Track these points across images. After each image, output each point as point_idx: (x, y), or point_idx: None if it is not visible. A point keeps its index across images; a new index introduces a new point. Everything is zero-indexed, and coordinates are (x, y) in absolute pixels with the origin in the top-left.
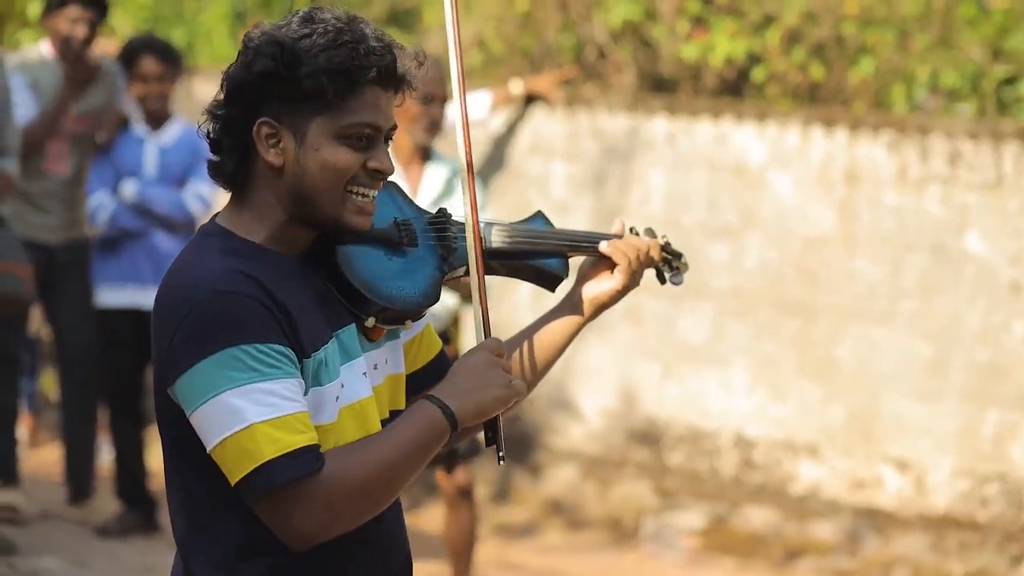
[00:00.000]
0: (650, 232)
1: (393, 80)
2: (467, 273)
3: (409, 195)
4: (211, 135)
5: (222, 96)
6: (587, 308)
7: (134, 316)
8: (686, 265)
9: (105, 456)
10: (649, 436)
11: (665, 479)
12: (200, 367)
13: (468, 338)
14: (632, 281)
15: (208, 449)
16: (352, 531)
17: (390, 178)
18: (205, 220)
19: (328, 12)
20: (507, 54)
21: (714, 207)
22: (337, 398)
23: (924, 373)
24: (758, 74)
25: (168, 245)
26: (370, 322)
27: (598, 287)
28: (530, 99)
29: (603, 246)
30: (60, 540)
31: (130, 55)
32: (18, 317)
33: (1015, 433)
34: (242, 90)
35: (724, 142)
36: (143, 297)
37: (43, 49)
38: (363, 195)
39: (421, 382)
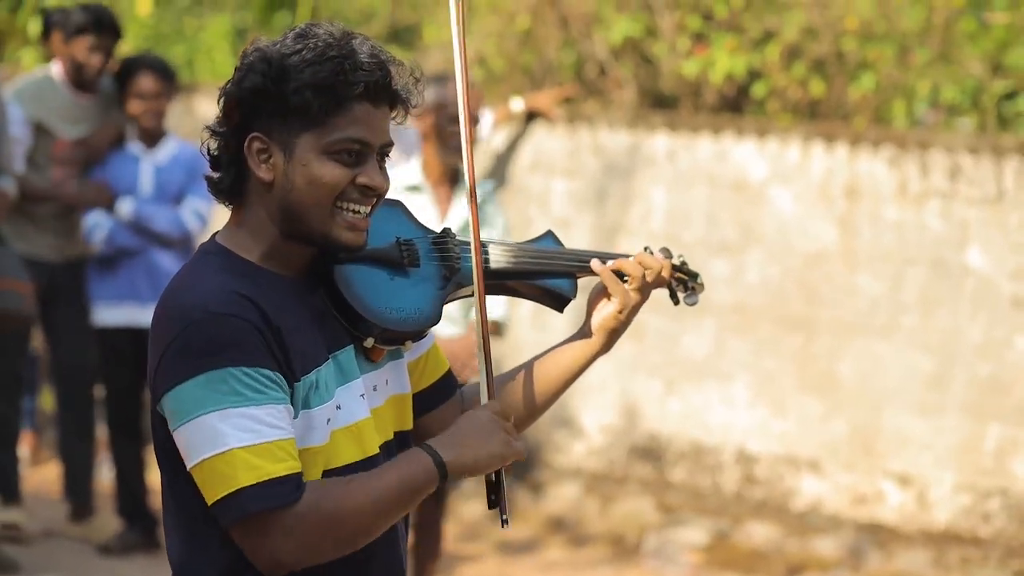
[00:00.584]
0: (665, 252)
1: (385, 96)
2: (472, 294)
3: (437, 216)
4: (211, 152)
5: (219, 113)
6: (597, 335)
7: (132, 334)
8: (702, 286)
9: (105, 473)
10: (651, 452)
11: (667, 495)
12: (186, 386)
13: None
14: (634, 299)
15: (188, 466)
16: (343, 556)
17: (424, 196)
18: (203, 237)
19: (323, 28)
20: (508, 71)
21: (715, 223)
22: (329, 420)
23: (925, 388)
24: (758, 90)
25: (166, 263)
26: (369, 343)
27: (602, 312)
28: (531, 116)
29: (607, 264)
30: (62, 558)
31: (126, 73)
32: (20, 334)
33: (1017, 448)
34: (235, 106)
35: (725, 158)
36: (141, 315)
37: (53, 71)
38: (354, 211)
39: (428, 401)
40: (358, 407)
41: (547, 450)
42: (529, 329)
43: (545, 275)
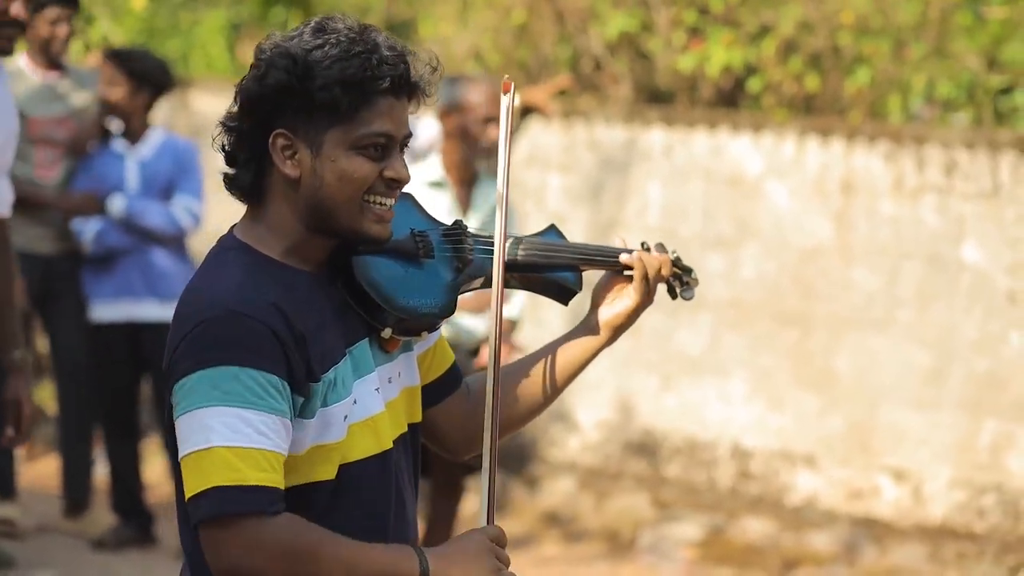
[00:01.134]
0: (660, 247)
1: (407, 88)
2: (483, 285)
3: (459, 214)
4: (225, 148)
5: (236, 109)
6: (604, 331)
7: (128, 331)
8: (696, 280)
9: (101, 469)
10: (646, 447)
11: (662, 490)
12: (192, 378)
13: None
14: (646, 298)
15: (179, 457)
16: None
17: (445, 192)
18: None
19: (340, 22)
20: (503, 66)
21: (711, 218)
22: (346, 416)
23: (921, 383)
24: (754, 84)
25: (160, 259)
26: (386, 333)
27: (613, 308)
28: (526, 111)
29: (623, 258)
30: (56, 553)
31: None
32: None
33: (1012, 443)
34: (257, 103)
35: (720, 153)
36: (137, 311)
37: (20, 63)
38: (380, 204)
39: (435, 394)
40: (373, 401)
41: (542, 445)
42: (527, 324)
43: (552, 268)
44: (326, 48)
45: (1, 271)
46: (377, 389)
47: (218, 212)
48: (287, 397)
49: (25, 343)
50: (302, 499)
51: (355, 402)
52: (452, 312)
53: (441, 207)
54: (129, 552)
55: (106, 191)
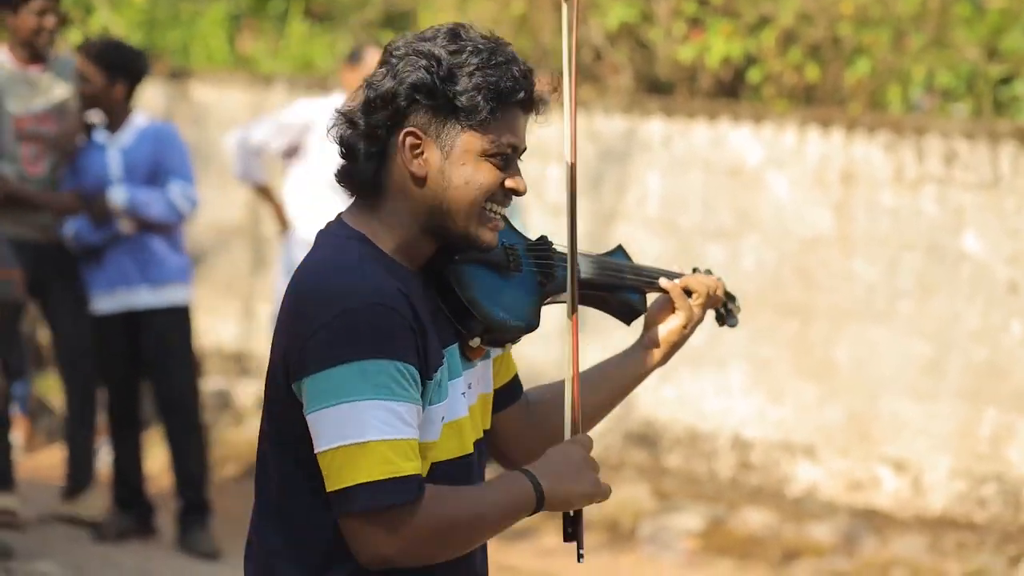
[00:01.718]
0: (709, 273)
1: (532, 103)
2: (562, 302)
3: None
4: (344, 140)
5: (361, 103)
6: (662, 348)
7: (126, 321)
8: (739, 307)
9: (103, 458)
10: (647, 438)
11: (663, 481)
12: (338, 370)
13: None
14: (696, 316)
15: (319, 450)
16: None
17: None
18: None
19: (473, 32)
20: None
21: (711, 208)
22: (443, 417)
23: (921, 373)
24: (754, 75)
25: (154, 245)
26: (475, 342)
27: (668, 326)
28: None
29: (664, 282)
30: (56, 544)
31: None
32: (8, 320)
33: (1012, 433)
34: (390, 99)
35: (720, 143)
36: (133, 299)
37: (3, 57)
38: (496, 213)
39: (499, 402)
40: (459, 404)
41: None
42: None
43: (621, 289)
44: (465, 55)
45: None
46: (463, 393)
47: (219, 202)
48: (420, 386)
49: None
50: None
51: (449, 404)
52: (537, 326)
53: None
54: (129, 543)
55: (92, 187)
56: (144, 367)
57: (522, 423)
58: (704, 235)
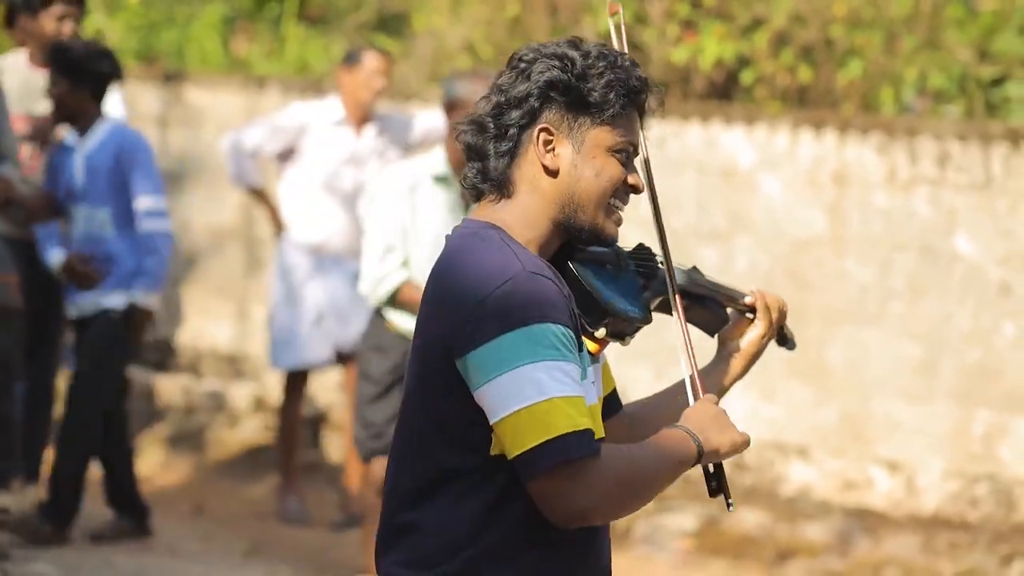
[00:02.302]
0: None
1: (645, 108)
2: (658, 306)
3: (462, 211)
4: (474, 145)
5: (491, 107)
6: (742, 360)
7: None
8: (791, 332)
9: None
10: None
11: None
12: (506, 338)
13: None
14: (771, 330)
15: (497, 418)
16: (581, 537)
17: (452, 189)
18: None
19: (588, 42)
20: (496, 59)
21: (704, 210)
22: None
23: (914, 374)
24: (747, 77)
25: (118, 248)
26: (600, 332)
27: (748, 338)
28: None
29: (747, 300)
30: (52, 545)
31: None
32: (6, 323)
33: (1005, 434)
34: (524, 99)
35: (713, 145)
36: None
37: (21, 60)
38: (618, 208)
39: (602, 412)
40: (591, 393)
41: None
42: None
43: (710, 300)
44: (593, 59)
45: None
46: (593, 383)
47: (213, 204)
48: (579, 351)
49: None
50: None
51: (587, 387)
52: (650, 322)
53: (444, 203)
54: (127, 545)
55: (58, 191)
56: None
57: (622, 436)
58: (697, 236)
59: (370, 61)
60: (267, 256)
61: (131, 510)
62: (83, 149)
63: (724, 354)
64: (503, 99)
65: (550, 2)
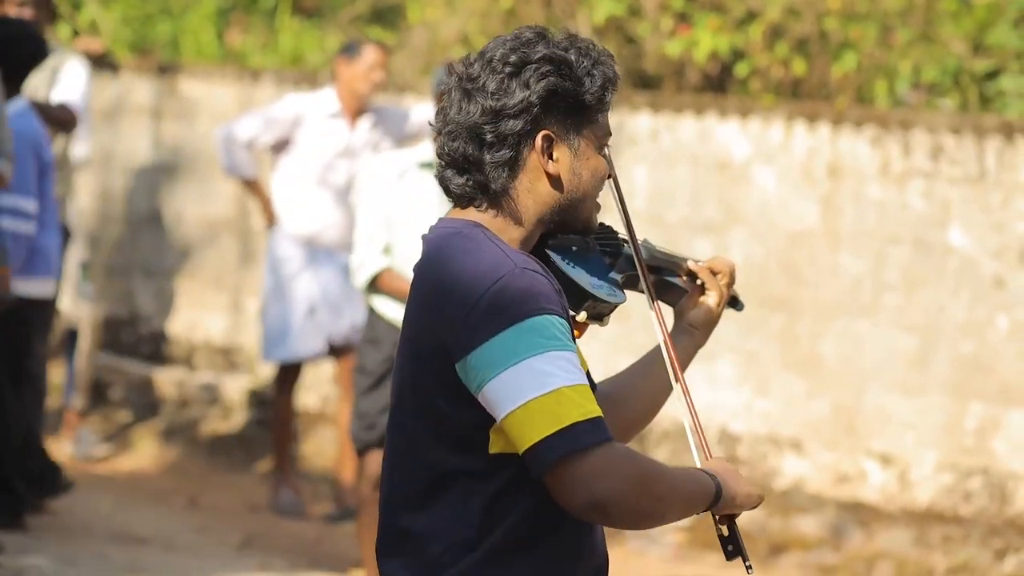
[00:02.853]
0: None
1: None
2: (626, 281)
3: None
4: (466, 154)
5: (481, 114)
6: (703, 329)
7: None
8: (737, 293)
9: None
10: None
11: None
12: (507, 334)
13: None
14: (726, 294)
15: (505, 413)
16: (583, 532)
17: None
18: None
19: (554, 32)
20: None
21: (698, 202)
22: None
23: (908, 367)
24: (741, 69)
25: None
26: (582, 316)
27: (703, 308)
28: None
29: (690, 264)
30: (48, 539)
31: None
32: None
33: (998, 427)
34: (525, 108)
35: (708, 137)
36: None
37: None
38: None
39: None
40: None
41: None
42: None
43: (666, 272)
44: (574, 54)
45: None
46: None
47: (207, 196)
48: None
49: None
50: None
51: None
52: (625, 300)
53: (433, 189)
54: (122, 539)
55: None
56: None
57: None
58: (691, 229)
59: (369, 54)
60: (261, 248)
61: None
62: None
63: (683, 326)
64: (497, 106)
65: None
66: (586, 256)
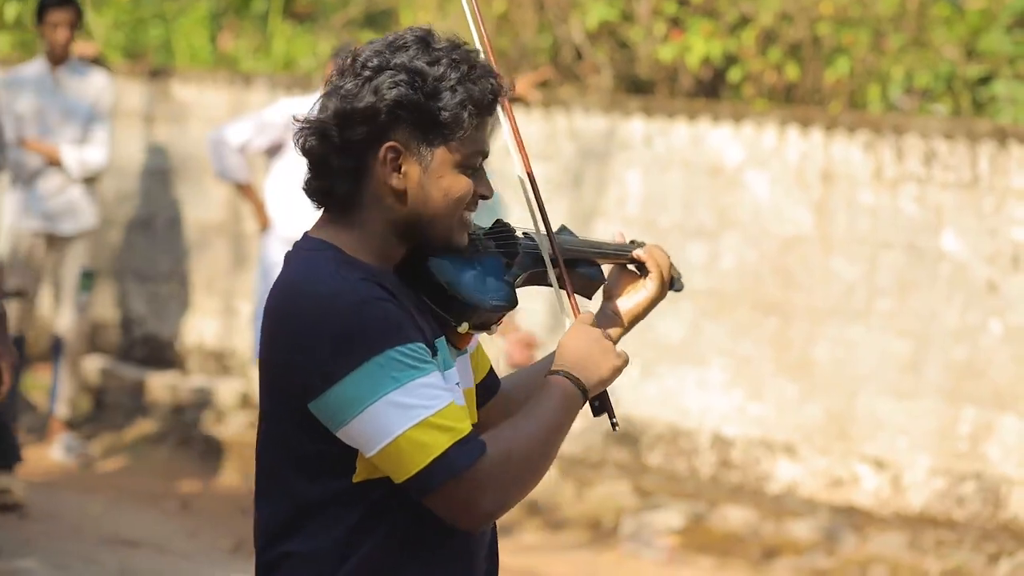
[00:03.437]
0: (642, 243)
1: (496, 108)
2: (527, 279)
3: None
4: (315, 152)
5: (333, 114)
6: (625, 320)
7: None
8: (679, 272)
9: None
10: (627, 436)
11: (643, 479)
12: (358, 374)
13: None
14: (662, 290)
15: (374, 451)
16: (439, 543)
17: None
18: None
19: (442, 38)
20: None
21: (691, 208)
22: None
23: (900, 372)
24: (734, 75)
25: None
26: (463, 328)
27: (633, 299)
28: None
29: (637, 253)
30: (39, 541)
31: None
32: None
33: (991, 431)
34: (371, 115)
35: (700, 143)
36: None
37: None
38: (468, 217)
39: (479, 397)
40: (458, 395)
41: None
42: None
43: (578, 264)
44: (444, 68)
45: None
46: (457, 384)
47: (199, 200)
48: (430, 356)
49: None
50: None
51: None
52: (516, 304)
53: None
54: (113, 542)
55: None
56: None
57: (502, 416)
58: (684, 234)
59: None
60: (254, 252)
61: None
62: None
63: (608, 310)
64: (347, 108)
65: None
66: (480, 259)
